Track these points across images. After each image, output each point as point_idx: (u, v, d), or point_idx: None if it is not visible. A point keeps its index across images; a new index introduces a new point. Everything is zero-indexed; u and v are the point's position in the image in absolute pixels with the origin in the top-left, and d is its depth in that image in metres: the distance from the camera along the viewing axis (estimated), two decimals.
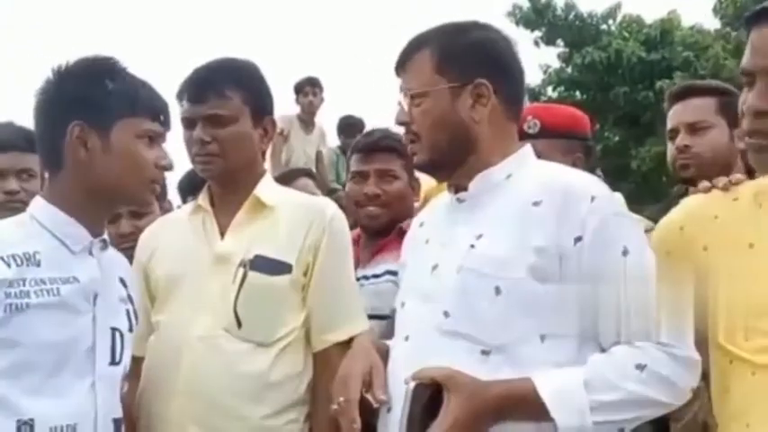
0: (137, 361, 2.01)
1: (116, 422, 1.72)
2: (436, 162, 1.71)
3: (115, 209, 1.84)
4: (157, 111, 1.76)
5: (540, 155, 1.82)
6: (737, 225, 1.50)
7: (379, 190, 2.53)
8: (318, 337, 2.03)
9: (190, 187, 3.15)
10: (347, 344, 2.02)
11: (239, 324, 1.96)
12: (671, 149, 2.44)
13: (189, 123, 2.06)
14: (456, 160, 1.69)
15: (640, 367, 1.50)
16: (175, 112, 2.05)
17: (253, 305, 1.97)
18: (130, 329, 1.78)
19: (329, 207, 2.13)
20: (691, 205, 1.61)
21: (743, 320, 1.44)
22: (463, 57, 1.67)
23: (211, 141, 2.03)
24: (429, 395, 1.51)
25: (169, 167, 1.78)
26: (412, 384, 1.54)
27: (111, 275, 1.77)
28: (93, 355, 1.67)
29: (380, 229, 2.54)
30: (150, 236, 2.19)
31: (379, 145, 2.60)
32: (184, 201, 3.13)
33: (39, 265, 1.62)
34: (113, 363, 1.71)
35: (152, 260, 2.12)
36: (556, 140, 2.29)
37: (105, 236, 1.78)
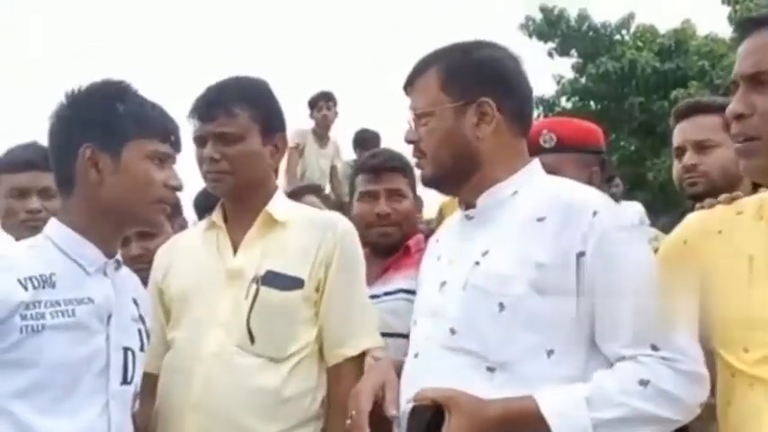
0: (152, 378, 2.02)
1: None
2: (441, 179, 1.74)
3: (127, 229, 1.85)
4: (168, 132, 1.77)
5: (556, 169, 1.83)
6: (740, 238, 1.52)
7: (389, 209, 2.57)
8: (331, 352, 2.04)
9: (205, 204, 3.16)
10: (361, 358, 2.04)
11: (252, 340, 1.96)
12: (677, 167, 2.43)
13: (200, 142, 2.08)
14: (461, 177, 1.70)
15: (644, 383, 1.48)
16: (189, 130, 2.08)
17: (265, 321, 1.97)
18: (142, 349, 1.79)
19: (341, 222, 2.14)
20: (695, 220, 1.65)
21: (741, 332, 1.45)
22: (467, 76, 1.69)
23: (221, 159, 2.05)
24: (430, 416, 1.50)
25: (179, 188, 1.80)
26: (409, 406, 1.53)
27: (125, 295, 1.78)
28: (106, 374, 1.68)
29: (390, 248, 2.57)
30: (164, 254, 2.21)
31: (386, 165, 2.64)
32: (200, 218, 3.14)
33: (54, 286, 1.63)
34: (125, 382, 1.72)
35: (166, 277, 2.14)
36: (572, 154, 2.29)
37: (119, 256, 1.79)
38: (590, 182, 2.04)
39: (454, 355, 1.58)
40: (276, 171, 2.24)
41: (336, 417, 1.96)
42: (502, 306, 1.55)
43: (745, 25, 1.51)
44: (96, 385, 1.66)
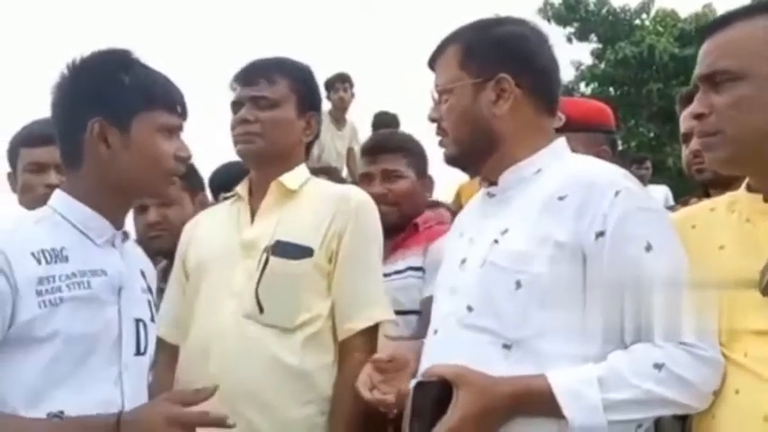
0: (169, 347, 2.09)
1: None
2: (461, 157, 1.73)
3: (134, 203, 1.85)
4: (174, 102, 1.75)
5: None
6: (712, 231, 1.58)
7: (385, 189, 2.57)
8: (342, 327, 2.05)
9: (220, 184, 3.19)
10: (372, 333, 2.05)
11: (261, 309, 1.99)
12: (685, 153, 2.43)
13: (238, 107, 2.13)
14: (480, 155, 1.70)
15: (658, 366, 1.46)
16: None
17: (274, 290, 1.99)
18: (152, 319, 1.79)
19: (357, 194, 2.16)
20: (674, 216, 1.72)
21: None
22: (486, 52, 1.68)
23: (254, 121, 2.09)
24: (437, 392, 1.49)
25: (188, 158, 1.78)
26: (414, 382, 1.53)
27: (134, 267, 1.78)
28: (119, 345, 1.68)
29: (392, 227, 2.55)
30: (191, 226, 2.26)
31: (384, 146, 2.66)
32: (215, 197, 3.17)
33: (67, 260, 1.63)
34: (138, 353, 1.72)
35: (189, 248, 2.18)
36: (581, 134, 2.28)
37: (126, 228, 1.79)
38: None
39: (471, 332, 1.57)
40: (308, 152, 2.26)
41: (343, 392, 1.98)
42: (519, 284, 1.54)
43: (704, 30, 1.58)
44: (110, 356, 1.66)
